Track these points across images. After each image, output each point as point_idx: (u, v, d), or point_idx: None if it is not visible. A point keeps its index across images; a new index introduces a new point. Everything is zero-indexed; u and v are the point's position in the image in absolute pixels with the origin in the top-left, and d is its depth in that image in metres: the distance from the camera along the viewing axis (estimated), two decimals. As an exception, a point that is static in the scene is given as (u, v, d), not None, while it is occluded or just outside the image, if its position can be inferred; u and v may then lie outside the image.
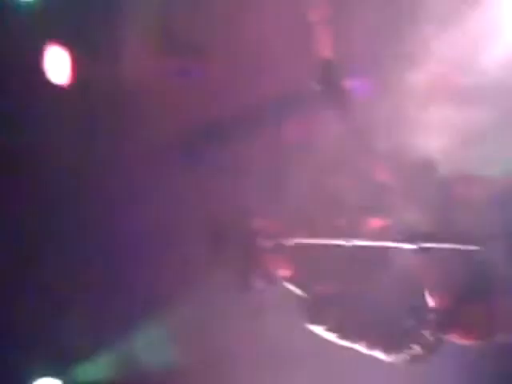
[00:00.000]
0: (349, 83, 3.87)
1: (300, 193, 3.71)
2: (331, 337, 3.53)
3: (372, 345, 3.48)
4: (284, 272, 3.50)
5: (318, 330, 3.54)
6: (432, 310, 3.39)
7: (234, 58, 5.41)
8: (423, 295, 3.41)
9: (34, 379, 5.56)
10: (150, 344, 5.55)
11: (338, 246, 3.25)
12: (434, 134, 4.38)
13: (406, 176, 3.58)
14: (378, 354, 3.49)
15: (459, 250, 3.17)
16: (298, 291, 3.56)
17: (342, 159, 3.82)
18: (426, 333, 3.40)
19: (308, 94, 4.83)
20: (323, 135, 4.80)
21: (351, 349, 3.57)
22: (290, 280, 3.55)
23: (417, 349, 3.42)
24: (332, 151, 4.42)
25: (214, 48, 5.49)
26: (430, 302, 3.40)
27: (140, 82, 5.49)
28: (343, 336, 3.51)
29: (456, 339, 3.48)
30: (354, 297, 3.42)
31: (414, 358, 3.44)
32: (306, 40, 4.65)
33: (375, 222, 3.53)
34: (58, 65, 5.40)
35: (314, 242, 3.40)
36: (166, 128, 5.50)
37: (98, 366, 5.58)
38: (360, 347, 3.51)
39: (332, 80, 3.58)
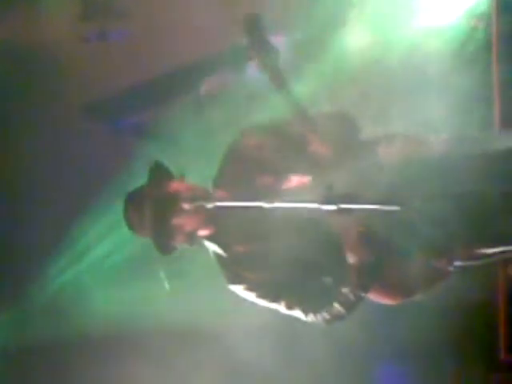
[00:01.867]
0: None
1: (221, 154, 3.67)
2: (250, 296, 3.51)
3: (291, 304, 3.47)
4: (204, 232, 3.46)
5: (238, 289, 3.51)
6: (351, 267, 3.39)
7: (154, 19, 5.35)
8: (343, 253, 3.40)
9: None
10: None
11: (259, 207, 3.21)
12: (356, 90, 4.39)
13: (329, 135, 3.56)
14: (298, 314, 3.48)
15: (380, 210, 3.16)
16: (217, 250, 3.53)
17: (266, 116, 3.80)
18: (346, 291, 3.40)
19: (232, 52, 4.82)
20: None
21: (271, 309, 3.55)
22: (210, 239, 3.52)
23: (336, 307, 3.42)
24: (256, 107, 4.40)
25: (134, 12, 5.43)
26: (350, 259, 3.40)
27: (58, 46, 5.39)
28: (262, 295, 3.49)
29: (375, 298, 3.49)
30: (273, 256, 3.39)
31: (334, 317, 3.44)
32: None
33: (296, 181, 3.51)
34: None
35: (234, 204, 3.37)
36: (84, 93, 5.43)
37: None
38: (279, 307, 3.50)
39: (258, 33, 3.52)
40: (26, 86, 5.39)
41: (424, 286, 3.50)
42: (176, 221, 3.40)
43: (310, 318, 3.47)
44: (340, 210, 3.15)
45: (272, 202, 3.20)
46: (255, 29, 3.50)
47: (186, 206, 3.35)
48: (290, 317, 3.53)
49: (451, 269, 3.50)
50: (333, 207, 3.15)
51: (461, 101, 4.45)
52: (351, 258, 3.40)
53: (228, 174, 3.59)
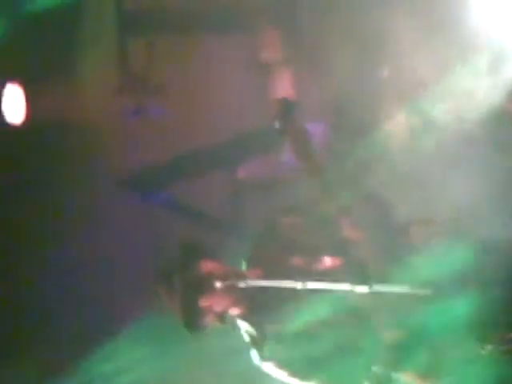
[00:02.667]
0: (307, 123, 3.86)
1: (255, 233, 3.69)
2: (282, 375, 3.49)
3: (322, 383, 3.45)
4: (235, 311, 3.47)
5: (269, 367, 3.50)
6: (385, 347, 3.38)
7: (191, 97, 5.42)
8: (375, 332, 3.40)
9: None
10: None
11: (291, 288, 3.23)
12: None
13: (362, 220, 3.57)
14: None
15: (412, 294, 3.17)
16: (249, 329, 3.53)
17: (299, 199, 3.82)
18: (377, 370, 3.38)
19: (265, 134, 4.86)
20: (280, 174, 4.81)
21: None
22: (242, 318, 3.52)
23: None
24: (290, 191, 4.43)
25: (172, 88, 5.50)
26: (382, 335, 3.39)
27: (96, 121, 5.47)
28: (293, 373, 3.47)
29: (408, 380, 3.47)
30: (305, 334, 3.39)
31: None
32: (263, 81, 4.68)
33: (329, 263, 3.52)
34: (13, 104, 5.36)
35: (267, 284, 3.38)
36: (122, 166, 5.48)
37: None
38: None
39: (290, 118, 3.58)
40: (64, 159, 5.45)
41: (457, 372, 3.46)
42: (206, 301, 3.41)
43: None
44: (373, 293, 3.15)
45: (305, 282, 3.21)
46: (288, 113, 3.55)
47: (217, 284, 3.36)
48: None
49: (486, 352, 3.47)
50: (365, 289, 3.16)
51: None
52: (386, 336, 3.39)
53: (261, 253, 3.60)
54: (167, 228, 5.10)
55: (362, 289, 3.17)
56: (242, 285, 3.35)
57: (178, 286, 3.39)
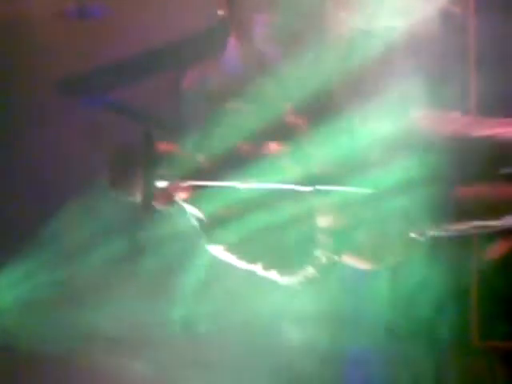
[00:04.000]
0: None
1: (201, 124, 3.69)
2: (230, 258, 3.55)
3: (268, 266, 3.51)
4: (184, 194, 3.51)
5: (217, 250, 3.55)
6: (325, 232, 3.44)
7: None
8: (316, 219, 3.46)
9: None
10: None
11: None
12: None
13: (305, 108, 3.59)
14: (274, 276, 3.53)
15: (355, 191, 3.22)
16: (197, 213, 3.56)
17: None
18: (319, 254, 3.45)
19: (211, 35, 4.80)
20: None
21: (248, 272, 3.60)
22: (190, 202, 3.55)
23: (310, 270, 3.47)
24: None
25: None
26: (323, 223, 3.45)
27: (37, 22, 5.35)
28: (240, 257, 3.53)
29: (349, 262, 3.56)
30: (251, 220, 3.43)
31: (308, 280, 3.50)
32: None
33: (274, 149, 3.53)
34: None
35: (212, 184, 3.41)
36: (63, 68, 5.39)
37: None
38: (256, 268, 3.54)
39: (237, 11, 3.54)
40: (3, 60, 5.35)
41: (396, 255, 3.54)
42: (161, 184, 3.44)
43: (285, 280, 3.51)
44: (316, 191, 3.19)
45: (247, 182, 3.23)
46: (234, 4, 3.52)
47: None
48: None
49: (423, 239, 3.56)
50: (309, 188, 3.19)
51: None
52: (325, 223, 3.44)
53: (208, 139, 3.60)
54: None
55: (306, 188, 3.19)
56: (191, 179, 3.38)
57: (136, 168, 3.41)
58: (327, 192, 3.23)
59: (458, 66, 4.90)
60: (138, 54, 5.45)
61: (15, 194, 5.32)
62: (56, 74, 5.39)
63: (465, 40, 5.01)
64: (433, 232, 3.56)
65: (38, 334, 5.30)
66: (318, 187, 3.22)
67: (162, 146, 3.52)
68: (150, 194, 3.43)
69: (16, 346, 5.31)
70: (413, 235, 3.49)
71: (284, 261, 3.50)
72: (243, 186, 3.25)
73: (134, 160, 3.45)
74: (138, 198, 3.46)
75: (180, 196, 3.53)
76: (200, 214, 3.58)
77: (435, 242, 3.63)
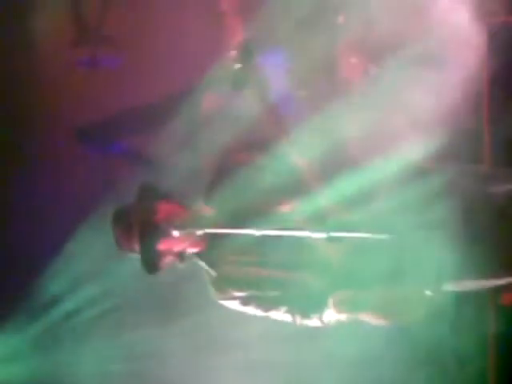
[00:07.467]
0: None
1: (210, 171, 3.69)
2: (243, 310, 3.52)
3: (281, 315, 3.48)
4: (194, 249, 3.48)
5: (229, 304, 3.53)
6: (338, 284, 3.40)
7: (145, 47, 5.37)
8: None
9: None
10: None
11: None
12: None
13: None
14: (288, 319, 3.50)
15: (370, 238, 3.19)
16: (207, 268, 3.54)
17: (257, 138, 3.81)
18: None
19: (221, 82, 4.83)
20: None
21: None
22: (200, 257, 3.53)
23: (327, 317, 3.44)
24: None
25: (125, 38, 5.45)
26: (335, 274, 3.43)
27: (50, 71, 5.41)
28: (253, 311, 3.50)
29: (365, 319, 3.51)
30: (259, 277, 3.43)
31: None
32: (218, 29, 4.64)
33: (286, 204, 3.52)
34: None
35: (225, 231, 3.39)
36: (74, 118, 5.43)
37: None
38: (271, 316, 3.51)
39: (250, 58, 3.55)
40: (17, 110, 5.39)
41: (411, 312, 3.50)
42: (165, 245, 3.40)
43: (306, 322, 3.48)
44: (330, 238, 3.17)
45: (262, 229, 3.22)
46: (249, 56, 3.53)
47: (175, 233, 3.35)
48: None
49: (439, 296, 3.52)
50: (323, 235, 3.17)
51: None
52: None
53: (218, 191, 3.58)
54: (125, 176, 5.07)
55: (320, 235, 3.17)
56: (199, 232, 3.34)
57: (135, 228, 3.37)
58: (341, 238, 3.20)
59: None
60: (150, 102, 5.49)
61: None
62: (69, 124, 5.44)
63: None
64: (448, 288, 3.50)
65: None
66: (332, 234, 3.19)
67: (163, 207, 3.49)
68: (149, 254, 3.39)
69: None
70: (428, 292, 3.43)
71: (301, 309, 3.46)
72: (257, 232, 3.23)
73: (133, 220, 3.42)
74: (139, 258, 3.42)
75: (191, 251, 3.49)
76: (210, 269, 3.55)
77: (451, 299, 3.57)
